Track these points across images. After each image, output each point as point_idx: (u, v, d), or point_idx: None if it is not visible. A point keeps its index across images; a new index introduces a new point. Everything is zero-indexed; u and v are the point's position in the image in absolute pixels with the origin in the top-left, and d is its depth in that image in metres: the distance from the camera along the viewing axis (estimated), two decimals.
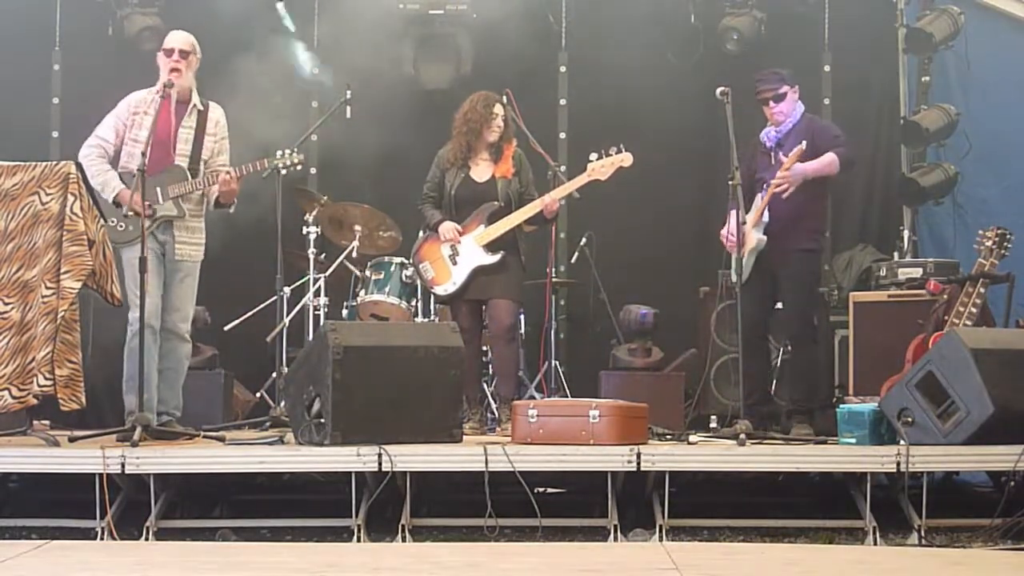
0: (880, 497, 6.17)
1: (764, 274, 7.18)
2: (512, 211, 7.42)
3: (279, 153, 7.24)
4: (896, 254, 8.84)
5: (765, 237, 7.11)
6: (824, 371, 8.11)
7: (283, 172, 7.40)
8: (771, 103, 7.22)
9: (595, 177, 7.42)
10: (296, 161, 7.29)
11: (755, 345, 7.10)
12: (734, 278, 7.08)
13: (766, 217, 7.11)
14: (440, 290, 7.49)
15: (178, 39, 7.01)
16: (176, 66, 6.90)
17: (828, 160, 7.09)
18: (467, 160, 7.49)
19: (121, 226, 6.75)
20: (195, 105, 7.01)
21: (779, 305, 7.52)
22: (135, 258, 6.52)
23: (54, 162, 6.43)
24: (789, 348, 7.60)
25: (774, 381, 7.77)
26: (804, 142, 6.98)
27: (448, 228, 7.40)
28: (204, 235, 7.04)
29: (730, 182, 6.79)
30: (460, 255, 7.42)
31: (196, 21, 8.42)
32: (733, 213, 7.06)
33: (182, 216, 6.88)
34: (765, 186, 7.17)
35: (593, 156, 7.43)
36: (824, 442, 6.57)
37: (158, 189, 6.81)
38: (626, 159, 7.39)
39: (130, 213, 6.60)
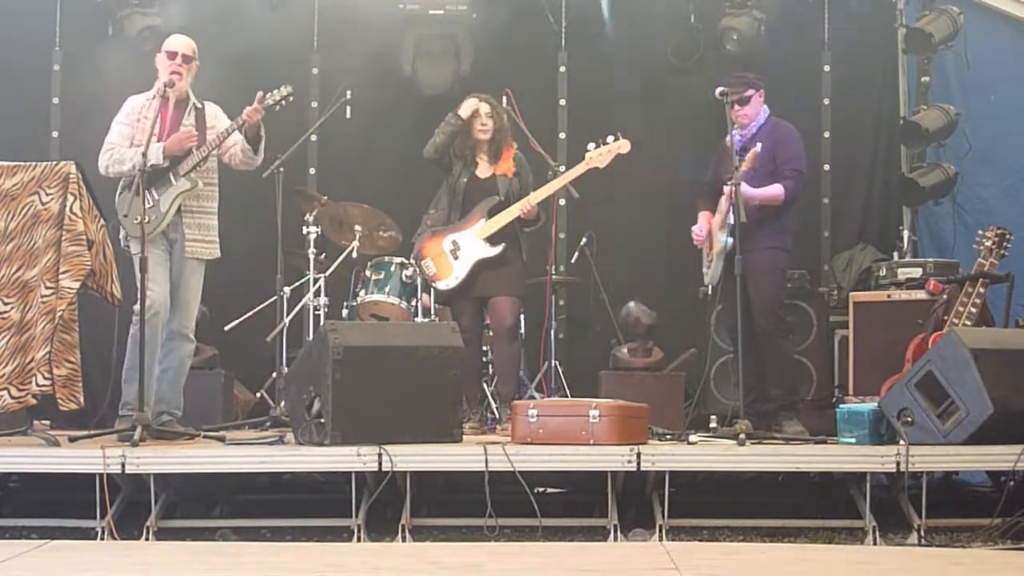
0: (880, 497, 6.18)
1: (735, 275, 7.16)
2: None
3: (268, 94, 6.98)
4: (896, 254, 8.83)
5: (731, 239, 7.08)
6: (821, 371, 8.12)
7: (277, 108, 7.21)
8: (735, 106, 7.20)
9: (594, 165, 7.42)
10: (285, 93, 7.04)
11: (744, 345, 7.07)
12: (706, 281, 7.16)
13: (730, 219, 7.07)
14: (442, 285, 7.49)
15: (181, 43, 7.02)
16: (178, 70, 6.92)
17: (774, 193, 7.13)
18: (474, 156, 7.53)
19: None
20: (193, 103, 7.04)
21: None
22: (148, 252, 6.53)
23: (54, 162, 6.44)
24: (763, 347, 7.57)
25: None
26: (759, 144, 7.01)
27: None
28: (216, 234, 7.05)
29: (730, 182, 6.80)
30: (461, 249, 7.42)
31: (196, 21, 8.45)
32: (702, 214, 7.28)
33: (195, 186, 6.86)
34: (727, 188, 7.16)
35: (591, 145, 7.43)
36: (824, 442, 6.57)
37: (171, 175, 6.83)
38: (623, 146, 7.39)
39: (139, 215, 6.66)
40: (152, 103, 6.94)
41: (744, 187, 6.95)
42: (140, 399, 6.45)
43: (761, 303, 7.12)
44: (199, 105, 7.06)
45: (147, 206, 6.61)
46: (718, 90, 6.92)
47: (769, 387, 7.36)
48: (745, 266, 6.90)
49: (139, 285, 6.61)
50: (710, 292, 7.20)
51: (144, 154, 6.60)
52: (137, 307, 6.73)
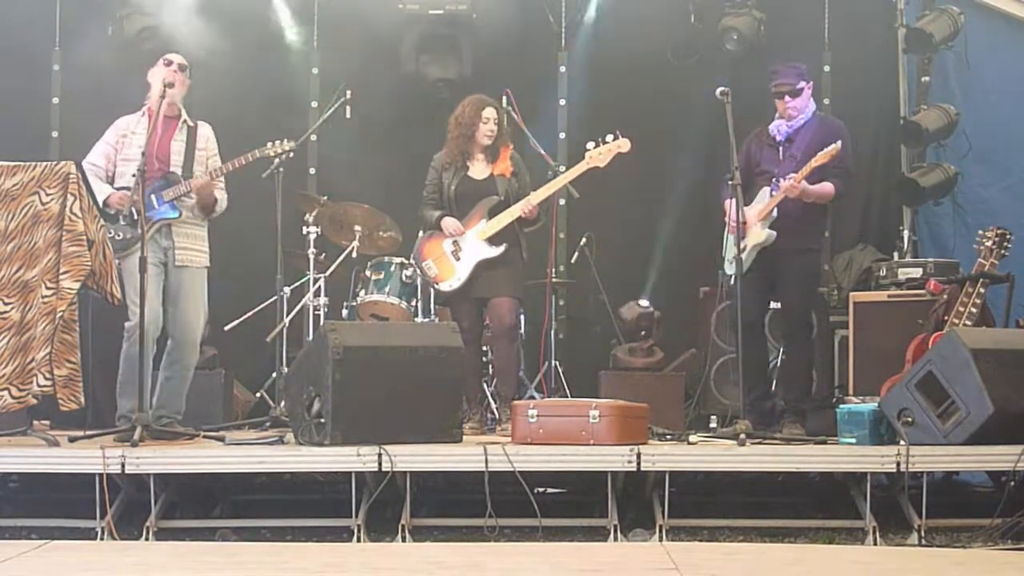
0: (880, 497, 6.17)
1: (763, 271, 7.18)
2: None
3: (269, 143, 7.15)
4: (896, 254, 8.82)
5: (774, 233, 7.09)
6: (821, 371, 8.12)
7: (276, 160, 7.34)
8: (787, 97, 7.20)
9: (594, 164, 7.41)
10: (287, 148, 7.22)
11: (752, 341, 7.09)
12: (729, 271, 7.14)
13: (775, 213, 7.10)
14: (444, 286, 7.47)
15: (176, 56, 7.11)
16: (173, 77, 6.93)
17: (826, 191, 7.15)
18: (464, 160, 7.50)
19: (119, 235, 6.77)
20: (185, 121, 7.07)
21: (776, 304, 7.52)
22: (134, 266, 6.54)
23: (54, 162, 6.44)
24: (783, 348, 7.60)
25: (774, 381, 7.77)
26: (840, 142, 6.98)
27: (451, 223, 7.40)
28: (207, 243, 7.07)
29: (730, 182, 6.80)
30: (463, 250, 7.42)
31: (196, 21, 8.45)
32: (729, 202, 7.12)
33: (178, 217, 6.90)
34: (774, 180, 7.17)
35: (590, 144, 7.43)
36: (824, 442, 6.56)
37: (153, 197, 6.84)
38: (623, 145, 7.39)
39: (125, 216, 6.69)
40: (140, 121, 6.97)
41: (804, 183, 6.99)
42: (140, 401, 6.45)
43: (795, 302, 7.15)
44: (191, 124, 7.08)
45: (125, 223, 6.71)
46: (719, 90, 6.90)
47: (782, 388, 7.37)
48: (783, 265, 6.95)
49: (139, 289, 6.59)
50: (733, 282, 7.12)
51: (143, 154, 6.64)
52: (127, 324, 6.75)
